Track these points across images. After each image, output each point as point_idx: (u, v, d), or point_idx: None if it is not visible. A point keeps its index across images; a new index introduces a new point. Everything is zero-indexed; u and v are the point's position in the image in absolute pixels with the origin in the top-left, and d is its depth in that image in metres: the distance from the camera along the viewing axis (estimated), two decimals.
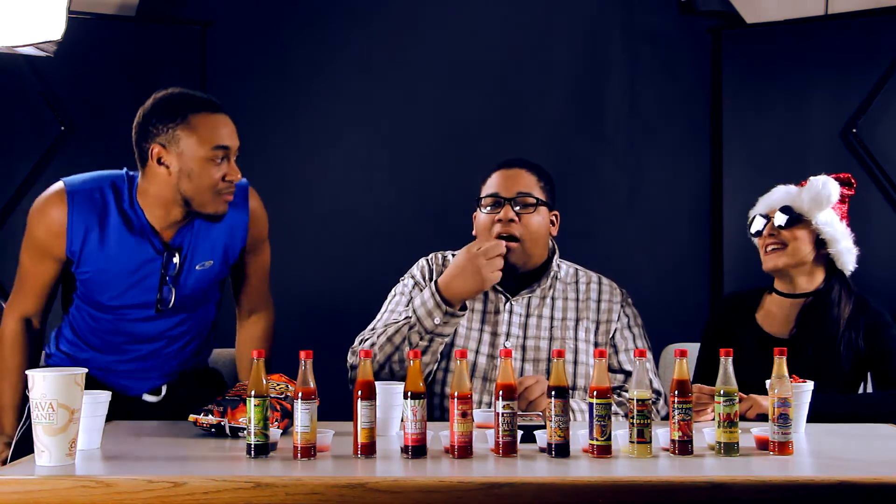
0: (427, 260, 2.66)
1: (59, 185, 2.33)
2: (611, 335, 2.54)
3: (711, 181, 3.75)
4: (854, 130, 3.53)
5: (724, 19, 3.76)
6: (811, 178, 2.58)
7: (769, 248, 2.59)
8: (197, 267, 2.39)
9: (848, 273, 2.60)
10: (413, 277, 2.63)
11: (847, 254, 2.58)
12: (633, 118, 3.82)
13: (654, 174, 3.81)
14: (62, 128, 3.52)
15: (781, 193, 2.63)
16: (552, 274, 2.58)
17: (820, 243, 2.57)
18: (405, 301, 2.56)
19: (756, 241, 2.66)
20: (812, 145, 3.61)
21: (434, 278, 2.50)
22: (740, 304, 2.69)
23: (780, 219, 2.57)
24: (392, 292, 2.63)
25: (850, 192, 2.62)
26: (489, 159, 2.65)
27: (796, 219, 2.56)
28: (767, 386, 1.91)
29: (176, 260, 2.34)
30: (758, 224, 2.63)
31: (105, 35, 3.61)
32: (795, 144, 3.62)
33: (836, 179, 2.59)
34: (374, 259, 3.72)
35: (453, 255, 2.66)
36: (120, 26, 3.65)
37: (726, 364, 1.88)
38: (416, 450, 1.82)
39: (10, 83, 3.47)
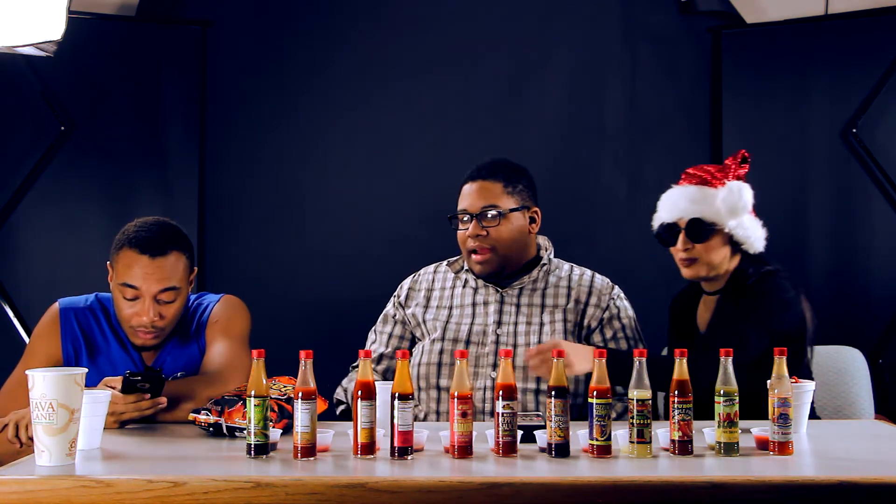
0: (411, 278, 2.73)
1: (54, 304, 2.45)
2: (600, 322, 2.57)
3: None
4: (854, 130, 3.53)
5: (724, 19, 3.76)
6: (725, 182, 2.45)
7: (684, 261, 2.48)
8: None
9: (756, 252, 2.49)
10: (397, 297, 2.71)
11: (757, 241, 2.47)
12: (633, 118, 3.82)
13: (654, 174, 3.81)
14: (62, 128, 3.52)
15: (685, 200, 2.48)
16: (543, 268, 2.62)
17: (734, 241, 2.47)
18: (390, 319, 2.69)
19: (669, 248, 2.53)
20: (812, 145, 3.61)
21: (420, 293, 2.65)
22: (685, 300, 2.64)
23: (691, 233, 2.45)
24: (382, 313, 2.72)
25: (747, 168, 2.51)
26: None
27: (709, 230, 2.45)
28: (768, 386, 1.90)
29: None
30: (665, 233, 2.52)
31: (105, 35, 3.61)
32: (795, 144, 3.61)
33: (735, 167, 2.48)
34: (374, 259, 3.72)
35: (446, 264, 2.70)
36: (120, 26, 3.65)
37: (726, 364, 1.88)
38: (402, 450, 1.80)
39: (10, 83, 3.48)
